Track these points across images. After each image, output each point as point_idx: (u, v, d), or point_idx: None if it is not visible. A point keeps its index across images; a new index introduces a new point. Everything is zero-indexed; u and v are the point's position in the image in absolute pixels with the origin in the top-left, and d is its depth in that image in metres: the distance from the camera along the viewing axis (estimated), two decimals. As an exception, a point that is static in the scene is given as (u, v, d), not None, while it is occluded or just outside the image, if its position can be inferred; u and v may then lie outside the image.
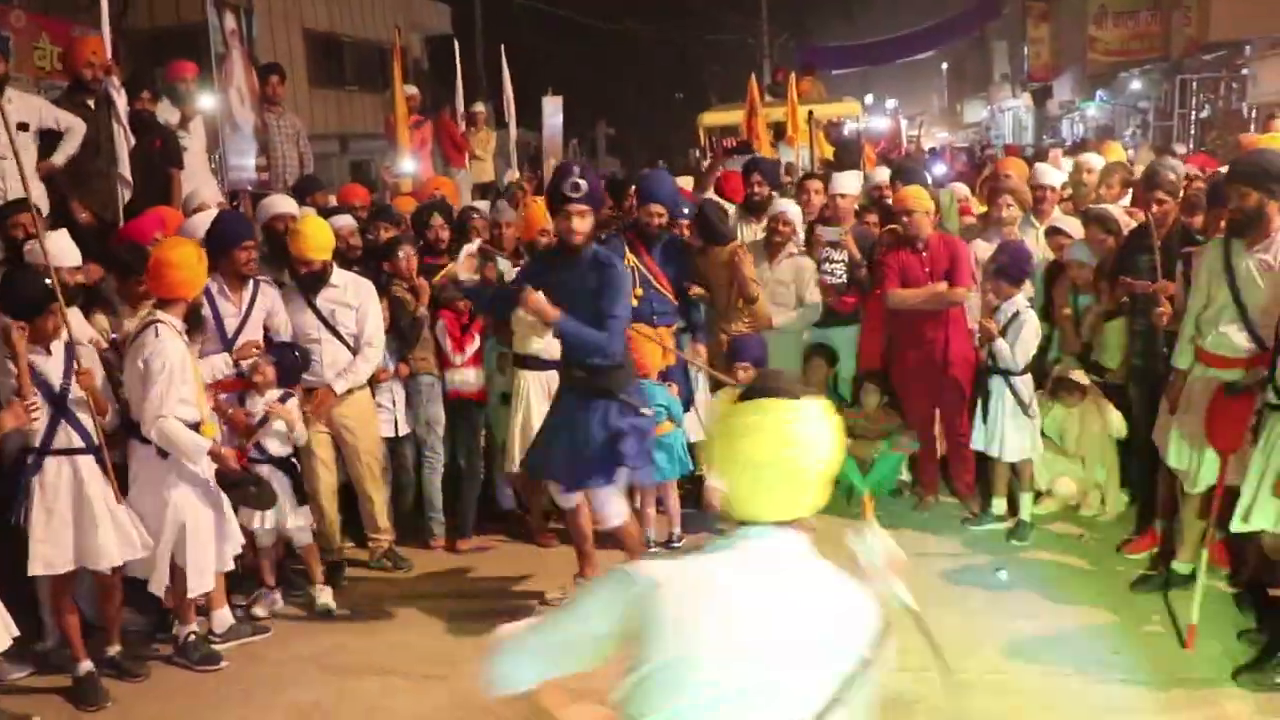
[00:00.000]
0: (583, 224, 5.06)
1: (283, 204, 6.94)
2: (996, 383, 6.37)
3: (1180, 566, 5.34)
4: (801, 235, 7.22)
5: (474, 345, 6.58)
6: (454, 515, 6.78)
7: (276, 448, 5.77)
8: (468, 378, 6.60)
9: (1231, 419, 4.67)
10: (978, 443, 6.51)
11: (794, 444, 2.09)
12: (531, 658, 2.20)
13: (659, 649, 2.01)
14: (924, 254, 6.58)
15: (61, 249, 5.30)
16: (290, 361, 5.86)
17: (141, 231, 6.35)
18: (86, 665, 5.08)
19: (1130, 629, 5.18)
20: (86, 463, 4.98)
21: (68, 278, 5.14)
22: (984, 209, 7.82)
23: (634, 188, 7.18)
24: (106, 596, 5.19)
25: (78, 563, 4.96)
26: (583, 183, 5.02)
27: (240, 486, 5.35)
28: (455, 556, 6.62)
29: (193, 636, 5.36)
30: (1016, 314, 6.33)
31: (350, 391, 6.09)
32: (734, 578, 2.07)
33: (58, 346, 4.95)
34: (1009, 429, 6.33)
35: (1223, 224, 5.23)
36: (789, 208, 7.20)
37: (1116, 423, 6.38)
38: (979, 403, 6.49)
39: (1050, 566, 5.98)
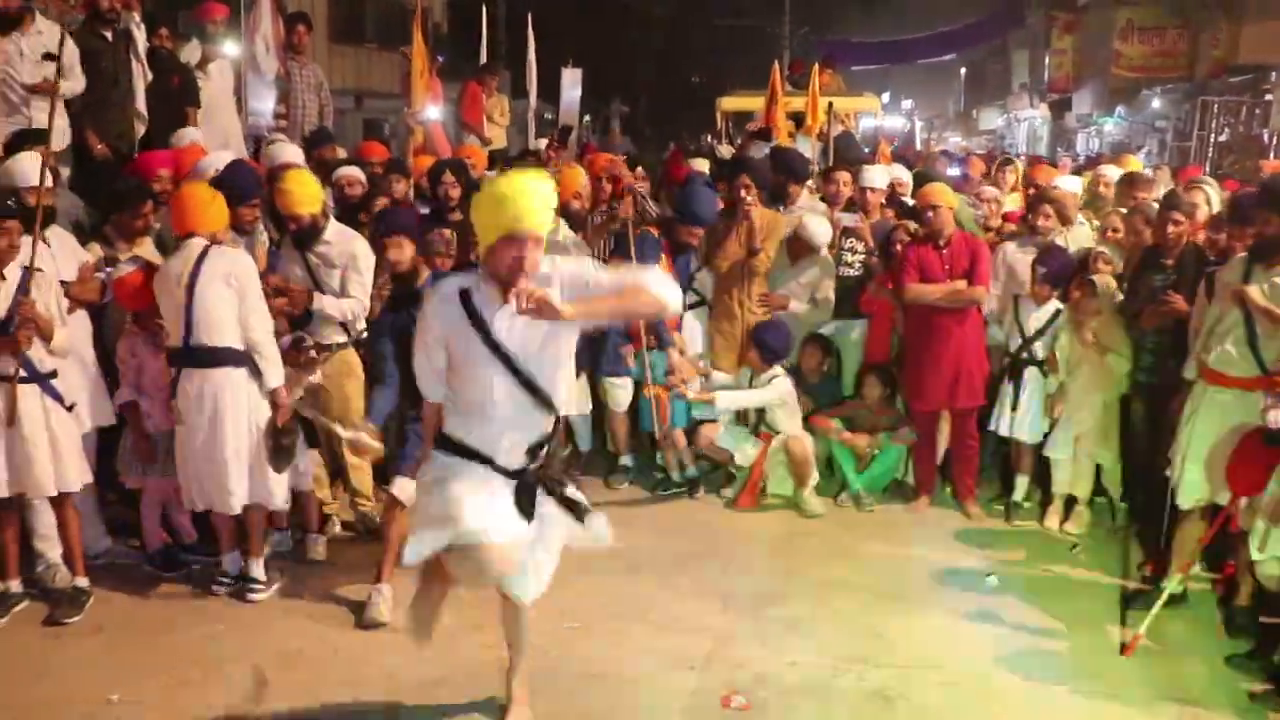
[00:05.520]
0: None
1: (287, 154, 6.93)
2: (1032, 373, 6.60)
3: (1172, 585, 5.29)
4: (825, 251, 7.26)
5: None
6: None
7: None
8: None
9: (1259, 466, 4.59)
10: (1005, 429, 6.72)
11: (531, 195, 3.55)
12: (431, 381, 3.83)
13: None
14: (944, 251, 6.55)
15: (23, 170, 5.32)
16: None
17: (149, 166, 6.31)
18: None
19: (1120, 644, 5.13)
20: (28, 391, 4.95)
21: (26, 198, 5.08)
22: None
23: (675, 202, 7.29)
24: (63, 524, 5.24)
25: (11, 490, 4.99)
26: None
27: (282, 434, 5.29)
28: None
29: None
30: (1057, 312, 6.54)
31: (331, 348, 5.91)
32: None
33: (12, 270, 4.89)
34: (1036, 415, 6.61)
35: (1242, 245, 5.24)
36: (818, 232, 7.16)
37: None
38: (1012, 392, 6.65)
39: (1042, 576, 5.95)
